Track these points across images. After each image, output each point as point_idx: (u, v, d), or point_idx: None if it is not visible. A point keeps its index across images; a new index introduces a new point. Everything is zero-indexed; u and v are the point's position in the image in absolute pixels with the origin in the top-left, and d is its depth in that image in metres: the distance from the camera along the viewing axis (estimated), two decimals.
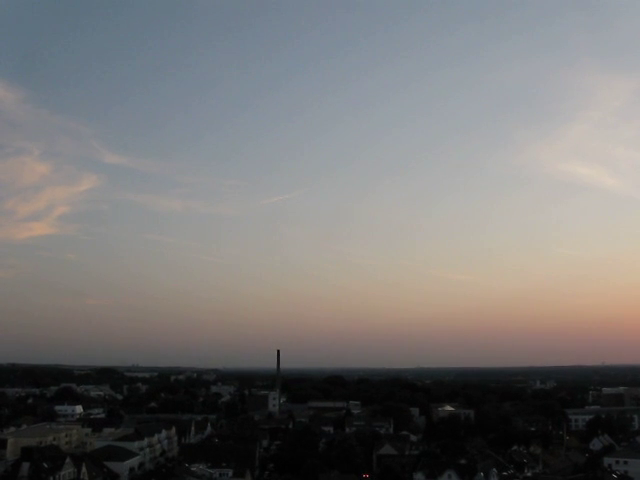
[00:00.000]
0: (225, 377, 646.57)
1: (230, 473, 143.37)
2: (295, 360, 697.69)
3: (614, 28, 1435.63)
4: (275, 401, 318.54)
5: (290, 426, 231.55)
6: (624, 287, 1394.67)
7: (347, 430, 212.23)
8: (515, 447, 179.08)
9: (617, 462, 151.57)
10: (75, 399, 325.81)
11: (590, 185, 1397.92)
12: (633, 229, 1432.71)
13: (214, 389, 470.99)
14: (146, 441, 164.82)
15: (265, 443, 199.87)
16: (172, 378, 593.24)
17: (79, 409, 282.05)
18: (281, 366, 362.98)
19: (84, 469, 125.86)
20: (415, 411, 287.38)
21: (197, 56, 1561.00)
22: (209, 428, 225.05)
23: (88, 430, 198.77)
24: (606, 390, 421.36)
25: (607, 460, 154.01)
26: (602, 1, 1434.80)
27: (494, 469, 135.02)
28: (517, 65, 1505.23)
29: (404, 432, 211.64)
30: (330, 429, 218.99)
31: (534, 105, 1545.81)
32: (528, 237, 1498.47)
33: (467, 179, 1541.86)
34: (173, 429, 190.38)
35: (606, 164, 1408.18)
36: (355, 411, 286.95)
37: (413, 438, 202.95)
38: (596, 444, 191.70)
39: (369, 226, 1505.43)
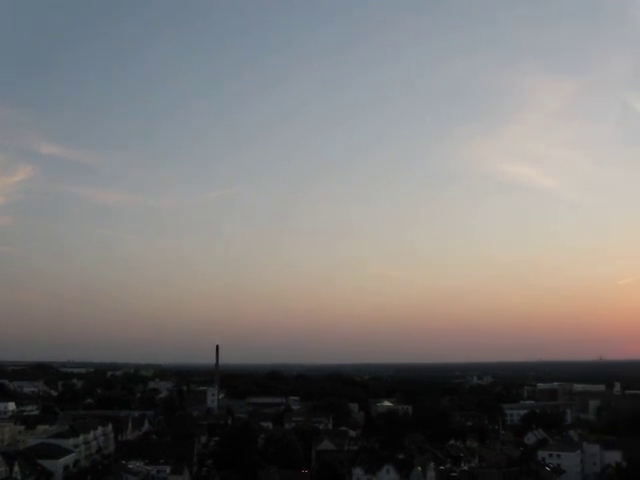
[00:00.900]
0: (163, 373, 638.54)
1: (168, 470, 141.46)
2: (234, 356, 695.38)
3: (554, 28, 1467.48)
4: (214, 397, 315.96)
5: (229, 422, 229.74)
6: (560, 286, 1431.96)
7: (286, 426, 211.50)
8: (452, 441, 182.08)
9: (550, 455, 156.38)
10: (7, 396, 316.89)
11: (527, 185, 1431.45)
12: (567, 229, 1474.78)
13: (152, 385, 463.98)
14: (81, 438, 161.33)
15: (203, 439, 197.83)
16: (109, 374, 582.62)
17: (12, 406, 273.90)
18: (220, 362, 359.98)
19: (17, 467, 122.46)
20: (354, 407, 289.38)
21: (141, 49, 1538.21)
22: (146, 424, 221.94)
23: (21, 427, 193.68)
24: (540, 385, 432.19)
25: (541, 453, 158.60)
26: (543, 1, 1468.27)
27: (432, 463, 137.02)
28: (456, 62, 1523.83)
29: (343, 428, 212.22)
30: (269, 425, 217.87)
31: (473, 103, 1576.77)
32: (464, 235, 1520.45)
33: (404, 175, 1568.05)
34: (109, 426, 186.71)
35: (543, 165, 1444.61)
36: (294, 407, 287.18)
37: (352, 433, 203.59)
38: (530, 438, 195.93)
39: (308, 222, 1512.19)
